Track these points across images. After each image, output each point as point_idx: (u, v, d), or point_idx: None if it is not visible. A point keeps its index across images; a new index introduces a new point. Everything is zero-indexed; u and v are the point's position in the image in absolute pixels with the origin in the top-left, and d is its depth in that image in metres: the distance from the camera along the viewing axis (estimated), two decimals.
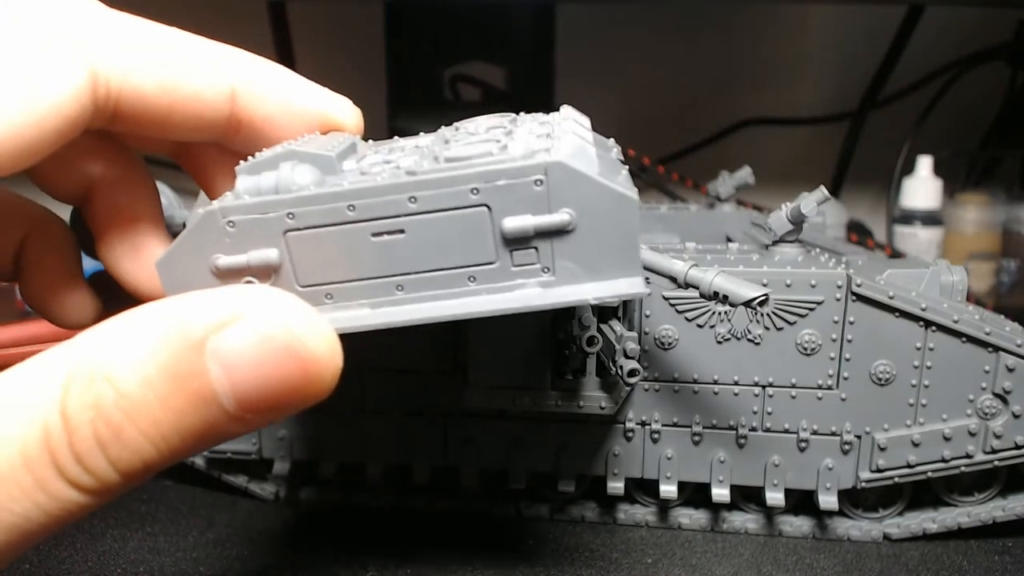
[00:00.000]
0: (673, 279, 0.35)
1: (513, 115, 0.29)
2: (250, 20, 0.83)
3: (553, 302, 0.24)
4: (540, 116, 0.29)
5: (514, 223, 0.23)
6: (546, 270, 0.24)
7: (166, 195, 0.43)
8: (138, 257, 0.29)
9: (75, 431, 0.19)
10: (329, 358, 0.20)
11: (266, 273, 0.24)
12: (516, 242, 0.23)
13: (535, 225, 0.23)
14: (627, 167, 0.27)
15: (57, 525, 0.19)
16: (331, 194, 0.23)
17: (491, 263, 0.23)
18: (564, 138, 0.24)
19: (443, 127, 0.29)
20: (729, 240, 0.52)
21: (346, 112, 0.29)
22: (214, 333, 0.19)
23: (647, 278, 0.40)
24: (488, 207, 0.23)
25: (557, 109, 0.30)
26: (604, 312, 0.38)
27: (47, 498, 0.19)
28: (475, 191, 0.23)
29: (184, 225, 0.42)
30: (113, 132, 0.27)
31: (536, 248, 0.23)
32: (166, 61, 0.25)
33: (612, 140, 0.31)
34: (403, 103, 0.80)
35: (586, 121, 0.29)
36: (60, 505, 0.19)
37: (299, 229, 0.23)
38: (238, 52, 0.27)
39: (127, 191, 0.29)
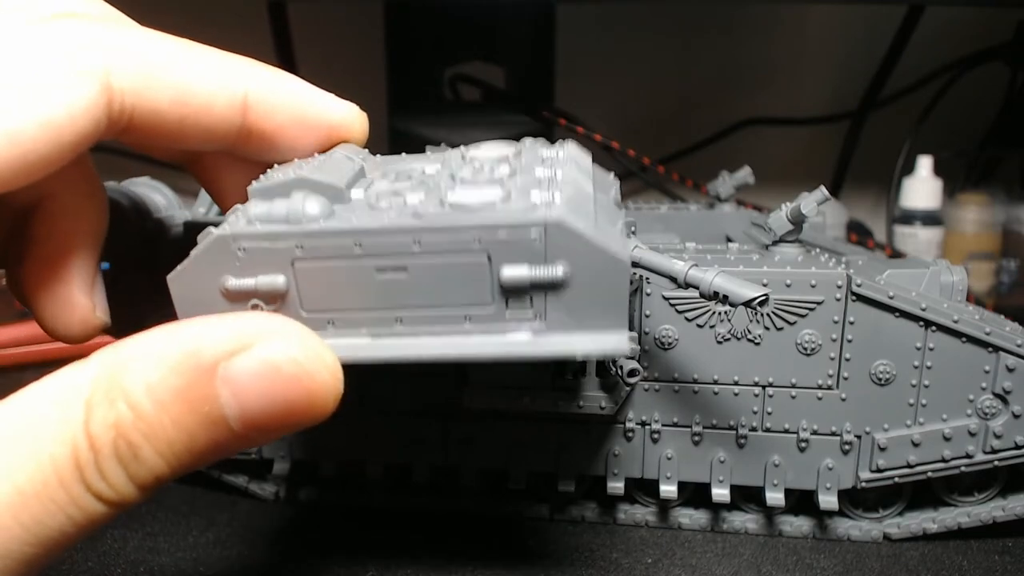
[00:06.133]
0: (673, 279, 0.35)
1: (517, 147, 0.30)
2: (250, 20, 0.83)
3: (542, 353, 0.25)
4: (544, 150, 0.30)
5: (512, 273, 0.24)
6: (538, 317, 0.25)
7: (166, 195, 0.43)
8: (55, 292, 0.29)
9: (99, 450, 0.20)
10: (332, 386, 0.22)
11: (272, 298, 0.25)
12: (512, 290, 0.24)
13: (531, 277, 0.24)
14: (624, 211, 0.28)
15: (82, 537, 0.21)
16: (340, 231, 0.24)
17: (487, 307, 0.25)
18: (565, 190, 0.25)
19: (450, 151, 0.30)
20: (729, 240, 0.52)
21: (353, 120, 0.30)
22: (225, 360, 0.21)
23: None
24: (488, 256, 0.24)
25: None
26: None
27: (78, 511, 0.20)
28: (477, 240, 0.24)
29: (183, 225, 0.42)
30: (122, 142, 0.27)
31: (531, 297, 0.24)
32: (180, 75, 0.25)
33: (612, 175, 0.32)
34: (403, 103, 0.80)
35: (587, 161, 0.31)
36: (88, 517, 0.20)
37: (307, 259, 0.24)
38: (249, 62, 0.28)
39: (72, 218, 0.29)
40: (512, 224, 0.23)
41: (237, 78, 0.27)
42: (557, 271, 0.24)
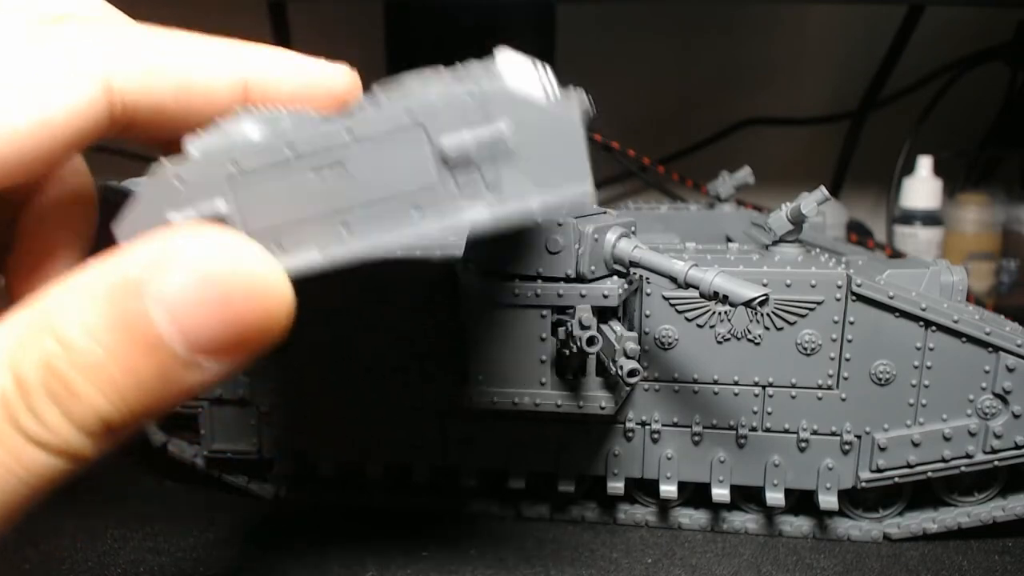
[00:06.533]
0: (673, 279, 0.35)
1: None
2: (250, 20, 0.83)
3: (499, 218, 0.23)
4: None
5: (452, 140, 0.23)
6: (491, 189, 0.23)
7: None
8: (42, 286, 0.28)
9: (29, 391, 0.18)
10: (276, 288, 0.20)
11: (216, 225, 0.24)
12: (457, 163, 0.23)
13: (473, 138, 0.23)
14: (573, 88, 0.27)
15: (36, 494, 0.19)
16: (271, 139, 0.24)
17: (433, 187, 0.24)
18: (499, 58, 0.24)
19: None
20: (729, 240, 0.52)
21: (347, 81, 0.30)
22: (150, 276, 0.19)
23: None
24: (423, 126, 0.23)
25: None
26: (604, 312, 0.38)
27: (18, 464, 0.19)
28: (408, 111, 0.23)
29: None
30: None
31: (479, 168, 0.23)
32: (181, 68, 0.25)
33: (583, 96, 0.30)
34: None
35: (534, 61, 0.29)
36: (32, 470, 0.19)
37: (243, 175, 0.24)
38: (246, 46, 0.28)
39: (60, 212, 0.28)
40: (443, 90, 0.22)
41: (235, 62, 0.27)
42: (500, 126, 0.22)
